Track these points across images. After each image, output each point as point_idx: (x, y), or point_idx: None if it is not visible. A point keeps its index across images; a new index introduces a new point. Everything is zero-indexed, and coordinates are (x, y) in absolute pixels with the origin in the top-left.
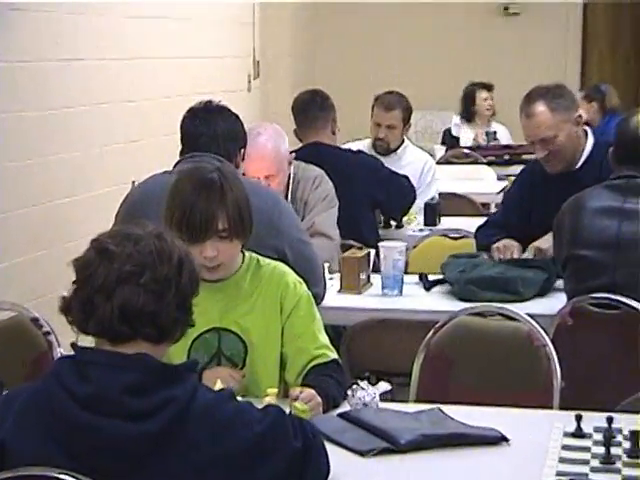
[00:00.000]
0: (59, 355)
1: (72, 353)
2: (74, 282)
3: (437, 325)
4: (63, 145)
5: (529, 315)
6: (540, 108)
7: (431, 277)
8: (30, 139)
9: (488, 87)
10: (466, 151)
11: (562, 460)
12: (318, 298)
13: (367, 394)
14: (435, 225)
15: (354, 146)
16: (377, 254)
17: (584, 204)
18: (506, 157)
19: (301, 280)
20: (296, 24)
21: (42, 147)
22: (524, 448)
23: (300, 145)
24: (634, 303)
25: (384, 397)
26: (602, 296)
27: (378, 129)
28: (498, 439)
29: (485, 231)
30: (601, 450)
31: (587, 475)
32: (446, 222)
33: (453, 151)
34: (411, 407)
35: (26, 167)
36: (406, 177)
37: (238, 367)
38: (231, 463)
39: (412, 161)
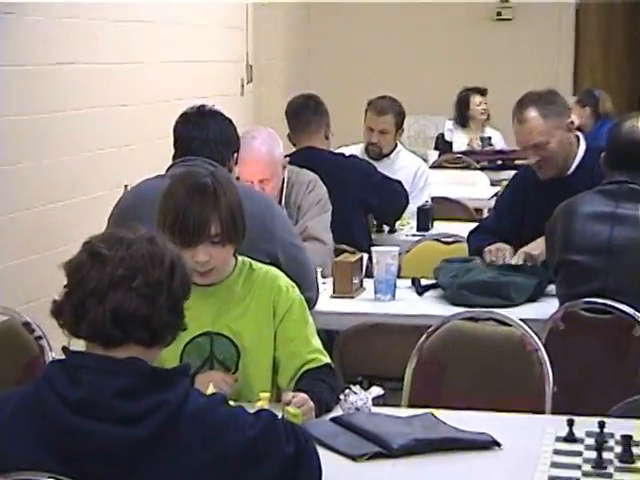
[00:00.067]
0: (51, 359)
1: (63, 357)
2: (66, 285)
3: (430, 330)
4: (56, 149)
5: (521, 320)
6: (532, 114)
7: (424, 282)
8: (23, 143)
9: (482, 92)
10: (459, 156)
11: (554, 465)
12: (311, 302)
13: (359, 398)
14: (428, 230)
15: (347, 151)
16: (370, 259)
17: (576, 209)
18: (499, 162)
19: (294, 284)
20: (289, 28)
21: (35, 151)
22: (516, 453)
23: (293, 150)
24: (626, 308)
25: (376, 401)
26: (594, 301)
27: (371, 134)
28: (490, 444)
29: (477, 236)
30: (593, 455)
31: (579, 479)
32: (439, 227)
33: (446, 156)
34: (403, 412)
35: (19, 171)
36: (399, 182)
37: (230, 371)
38: (223, 467)
39: (405, 166)
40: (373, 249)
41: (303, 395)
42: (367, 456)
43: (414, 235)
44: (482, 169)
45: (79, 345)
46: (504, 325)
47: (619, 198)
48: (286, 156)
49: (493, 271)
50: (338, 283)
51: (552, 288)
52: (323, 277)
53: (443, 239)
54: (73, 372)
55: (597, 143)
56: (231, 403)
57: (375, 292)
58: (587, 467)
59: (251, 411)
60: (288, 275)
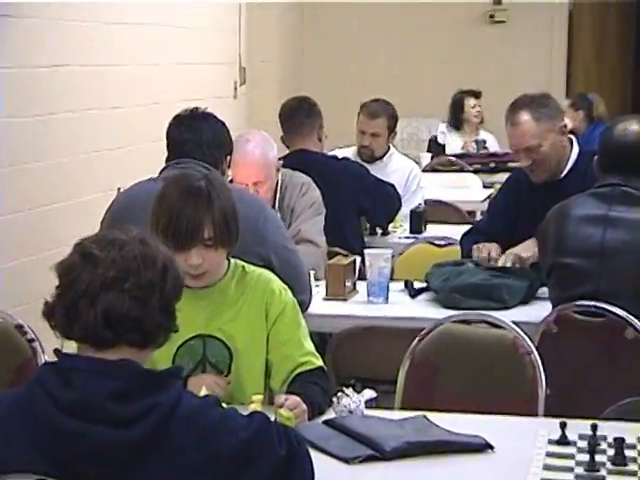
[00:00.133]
0: (43, 362)
1: (55, 359)
2: (57, 287)
3: (422, 332)
4: (50, 151)
5: (514, 323)
6: (525, 117)
7: (417, 284)
8: (16, 145)
9: (476, 94)
10: (452, 159)
11: (546, 467)
12: (304, 305)
13: (352, 401)
14: (421, 232)
15: (340, 153)
16: (363, 261)
17: (569, 212)
18: (492, 165)
19: (286, 287)
20: (282, 30)
21: (28, 153)
22: (509, 455)
23: (287, 152)
24: (618, 311)
25: (369, 404)
26: (587, 304)
27: (363, 136)
28: (483, 446)
29: (470, 238)
30: (585, 457)
31: None
32: (432, 229)
33: (439, 159)
34: (396, 414)
35: (12, 173)
36: (392, 185)
37: (223, 374)
38: (216, 470)
39: (398, 169)
40: (366, 252)
41: (296, 398)
42: (360, 459)
43: (407, 238)
44: (475, 172)
45: (72, 347)
46: (497, 328)
47: (612, 201)
48: (279, 159)
49: (484, 274)
50: (331, 286)
51: (545, 291)
52: (316, 280)
53: (436, 242)
54: (66, 374)
55: (590, 146)
56: (224, 405)
57: (368, 295)
58: (580, 470)
59: (244, 414)
60: (281, 278)
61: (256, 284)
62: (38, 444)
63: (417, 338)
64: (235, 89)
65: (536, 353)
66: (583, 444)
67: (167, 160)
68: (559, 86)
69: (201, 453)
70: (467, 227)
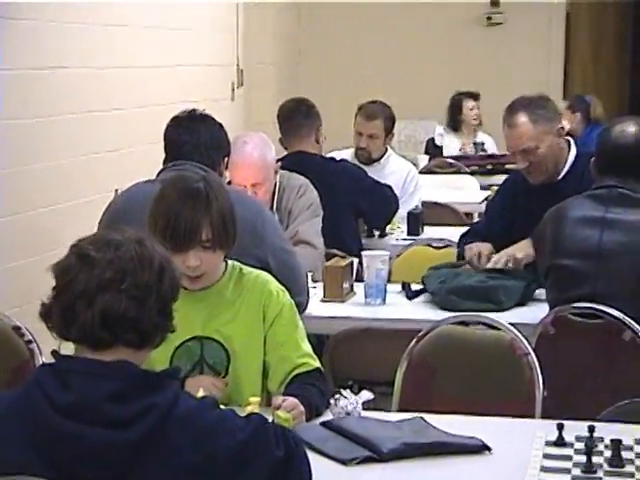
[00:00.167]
0: (40, 363)
1: (53, 361)
2: (54, 288)
3: (420, 334)
4: (48, 153)
5: (511, 324)
6: (522, 119)
7: (414, 286)
8: (15, 147)
9: (475, 96)
10: (449, 161)
11: (544, 469)
12: (301, 307)
13: (350, 403)
14: (418, 234)
15: (338, 155)
16: (360, 263)
17: (566, 214)
18: (489, 167)
19: (284, 289)
20: (279, 31)
21: (27, 155)
22: (506, 457)
23: (284, 154)
24: (615, 312)
25: (366, 406)
26: (584, 305)
27: (360, 138)
28: (480, 448)
29: (467, 240)
30: (582, 459)
31: None
32: (429, 231)
33: (436, 160)
34: (394, 416)
35: (11, 175)
36: (389, 187)
37: (220, 375)
38: (213, 471)
39: (395, 170)
40: (363, 253)
41: (293, 399)
42: (357, 460)
43: (404, 240)
44: (472, 173)
45: (70, 348)
46: (494, 329)
47: (609, 203)
48: (277, 160)
49: (480, 275)
50: (328, 287)
51: (542, 292)
52: (313, 281)
53: (433, 244)
54: (63, 376)
55: (587, 148)
56: (221, 407)
57: (365, 296)
58: (577, 471)
59: (241, 415)
60: (278, 280)
61: (253, 286)
62: (36, 446)
63: (414, 340)
64: (233, 91)
65: (533, 355)
66: (580, 446)
67: (165, 162)
68: (557, 87)
69: (198, 454)
70: (464, 229)
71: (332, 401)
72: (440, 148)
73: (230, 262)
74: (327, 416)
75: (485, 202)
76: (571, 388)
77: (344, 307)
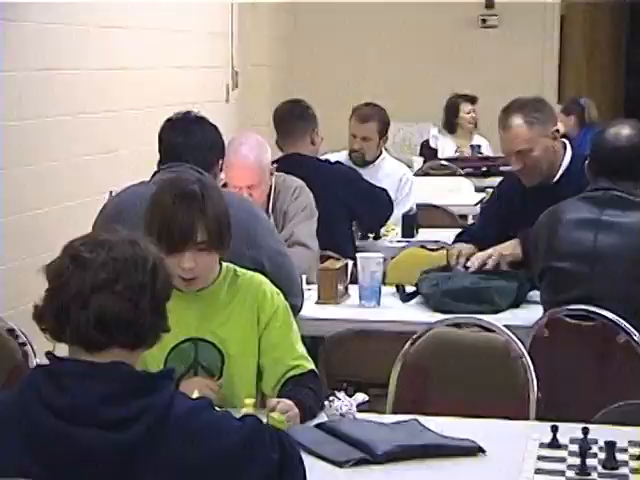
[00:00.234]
0: (35, 365)
1: (47, 363)
2: (47, 290)
3: (414, 336)
4: (43, 155)
5: (506, 326)
6: (517, 121)
7: (408, 288)
8: (9, 149)
9: (472, 100)
10: (444, 163)
11: (538, 471)
12: (296, 309)
13: (344, 405)
14: (413, 236)
15: (333, 157)
16: (355, 265)
17: (561, 216)
18: (484, 169)
19: (278, 291)
20: (275, 33)
21: (21, 157)
22: (500, 459)
23: (279, 155)
24: (610, 315)
25: (361, 408)
26: (578, 308)
27: (354, 140)
28: (474, 450)
29: (460, 242)
30: (577, 461)
31: None
32: (424, 233)
33: (431, 163)
34: (388, 418)
35: (4, 177)
36: (384, 189)
37: (215, 377)
38: (208, 472)
39: (390, 173)
40: (358, 255)
41: (288, 401)
42: (351, 462)
43: (399, 242)
44: (467, 176)
45: (64, 350)
46: (488, 331)
47: (603, 205)
48: (272, 162)
49: (473, 277)
50: (323, 289)
51: (536, 294)
52: (308, 283)
53: (428, 246)
54: (57, 378)
55: (582, 151)
56: (217, 409)
57: (360, 298)
58: (571, 473)
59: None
60: (273, 282)
61: (248, 287)
62: (31, 448)
63: (409, 342)
64: (227, 93)
65: (527, 357)
66: (574, 447)
67: (159, 163)
68: (551, 89)
69: (194, 455)
70: (459, 231)
71: (327, 403)
72: (435, 150)
73: (224, 264)
74: (322, 418)
75: (480, 204)
76: (565, 390)
77: (338, 309)
